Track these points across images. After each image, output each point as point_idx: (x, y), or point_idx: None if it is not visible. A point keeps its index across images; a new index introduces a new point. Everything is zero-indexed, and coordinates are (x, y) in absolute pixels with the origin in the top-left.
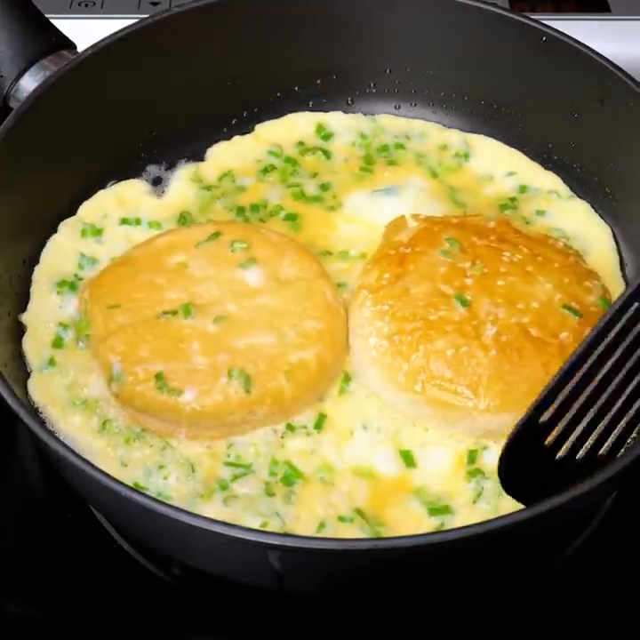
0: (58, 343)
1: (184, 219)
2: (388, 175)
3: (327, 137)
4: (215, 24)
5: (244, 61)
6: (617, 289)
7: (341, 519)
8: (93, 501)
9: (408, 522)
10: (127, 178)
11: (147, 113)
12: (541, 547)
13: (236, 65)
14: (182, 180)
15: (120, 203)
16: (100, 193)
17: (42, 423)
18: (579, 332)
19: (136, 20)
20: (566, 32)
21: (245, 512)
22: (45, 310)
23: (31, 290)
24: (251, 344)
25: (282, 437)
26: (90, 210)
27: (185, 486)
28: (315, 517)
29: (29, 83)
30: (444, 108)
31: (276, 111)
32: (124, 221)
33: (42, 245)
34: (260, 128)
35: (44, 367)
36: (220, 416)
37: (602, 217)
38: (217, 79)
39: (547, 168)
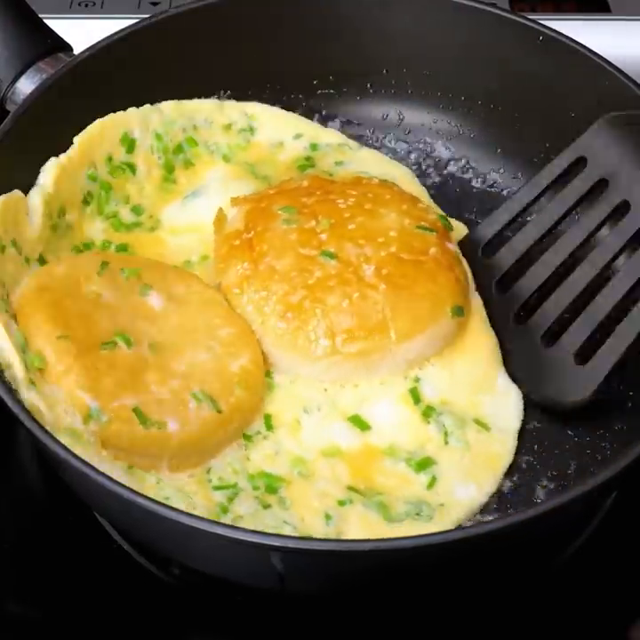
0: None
1: (44, 260)
2: (188, 180)
3: (131, 148)
4: (214, 25)
5: (241, 63)
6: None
7: (341, 503)
8: (95, 504)
9: (401, 484)
10: None
11: None
12: (542, 547)
13: (235, 65)
14: (40, 208)
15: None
16: None
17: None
18: (441, 245)
19: (134, 21)
20: (566, 32)
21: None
22: None
23: None
24: (191, 364)
25: (245, 450)
26: None
27: (194, 513)
28: (316, 511)
29: (26, 85)
30: (441, 108)
31: None
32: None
33: None
34: (78, 139)
35: (29, 389)
36: (203, 441)
37: None
38: (216, 80)
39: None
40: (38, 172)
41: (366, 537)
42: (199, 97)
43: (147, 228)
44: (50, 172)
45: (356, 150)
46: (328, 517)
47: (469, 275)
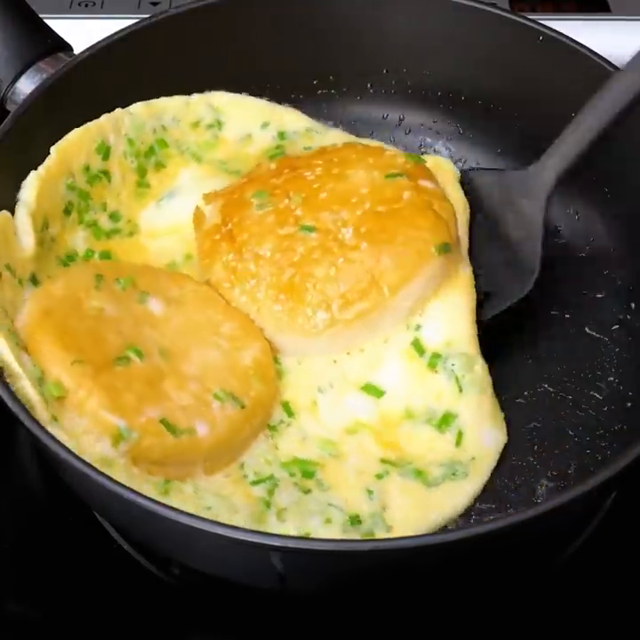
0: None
1: (36, 279)
2: (160, 182)
3: (106, 155)
4: (213, 25)
5: (241, 63)
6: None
7: (379, 476)
8: (95, 504)
9: (429, 447)
10: None
11: None
12: (542, 547)
13: (234, 66)
14: (28, 225)
15: None
16: None
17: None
18: (414, 185)
19: (134, 22)
20: (566, 32)
21: (305, 519)
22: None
23: None
24: (202, 365)
25: (272, 439)
26: None
27: (237, 518)
28: (357, 489)
29: (26, 85)
30: (441, 108)
31: None
32: None
33: None
34: (54, 150)
35: (49, 424)
36: (233, 439)
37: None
38: (215, 80)
39: None
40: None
41: (410, 505)
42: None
43: (126, 234)
44: (31, 186)
45: (323, 134)
46: (370, 492)
47: (460, 205)
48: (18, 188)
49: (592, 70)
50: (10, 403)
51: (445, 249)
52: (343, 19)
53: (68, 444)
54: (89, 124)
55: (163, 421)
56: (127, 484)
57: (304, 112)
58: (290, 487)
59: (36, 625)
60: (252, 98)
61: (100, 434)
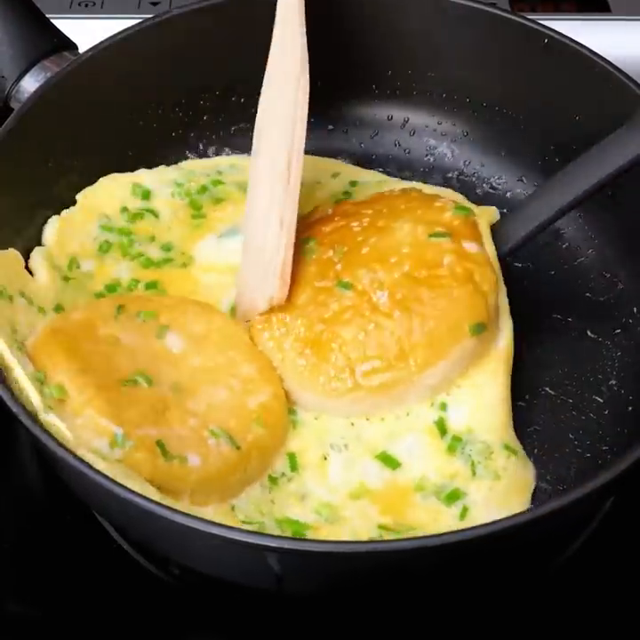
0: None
1: (61, 308)
2: (219, 214)
3: (146, 195)
4: (218, 25)
5: (247, 63)
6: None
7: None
8: (93, 503)
9: (433, 517)
10: None
11: (148, 116)
12: (541, 549)
13: (240, 66)
14: (43, 267)
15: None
16: None
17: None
18: (457, 249)
19: (137, 21)
20: (566, 32)
21: None
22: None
23: None
24: (209, 404)
25: (270, 493)
26: None
27: None
28: None
29: (31, 83)
30: (446, 110)
31: None
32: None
33: None
34: (80, 197)
35: (47, 412)
36: (223, 478)
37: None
38: (221, 80)
39: (549, 173)
40: (40, 172)
41: None
42: (203, 95)
43: (178, 265)
44: (52, 230)
45: (394, 185)
46: None
47: (498, 271)
48: (19, 185)
49: (596, 73)
50: (10, 403)
51: (479, 330)
52: (347, 20)
53: (63, 429)
54: (117, 174)
55: (158, 442)
56: (126, 478)
57: (308, 113)
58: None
59: (36, 625)
60: (322, 158)
61: (97, 433)
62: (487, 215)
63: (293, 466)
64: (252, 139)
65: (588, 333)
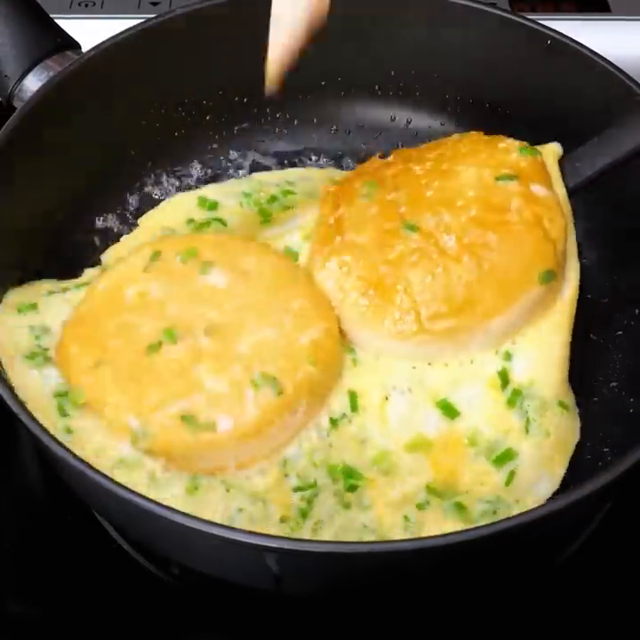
0: (63, 412)
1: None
2: (288, 215)
3: (213, 206)
4: (221, 25)
5: (250, 64)
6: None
7: (420, 506)
8: (93, 503)
9: (480, 481)
10: (127, 181)
11: (150, 116)
12: (541, 549)
13: (242, 67)
14: None
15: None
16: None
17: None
18: (524, 192)
19: (137, 21)
20: (566, 32)
21: (339, 538)
22: (34, 386)
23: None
24: (256, 343)
25: (328, 436)
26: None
27: (270, 525)
28: (395, 514)
29: (33, 82)
30: (448, 111)
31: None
32: (50, 293)
33: None
34: (142, 221)
35: (62, 436)
36: (262, 432)
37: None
38: (223, 80)
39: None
40: (44, 170)
41: None
42: (206, 95)
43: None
44: (105, 257)
45: None
46: (406, 519)
47: (568, 213)
48: (21, 185)
49: (598, 75)
50: (10, 402)
51: (548, 278)
52: (350, 21)
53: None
54: (183, 193)
55: (183, 416)
56: (148, 489)
57: (311, 113)
58: (330, 498)
59: (36, 624)
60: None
61: (119, 436)
62: (552, 153)
63: (354, 405)
64: (254, 139)
65: (591, 336)
